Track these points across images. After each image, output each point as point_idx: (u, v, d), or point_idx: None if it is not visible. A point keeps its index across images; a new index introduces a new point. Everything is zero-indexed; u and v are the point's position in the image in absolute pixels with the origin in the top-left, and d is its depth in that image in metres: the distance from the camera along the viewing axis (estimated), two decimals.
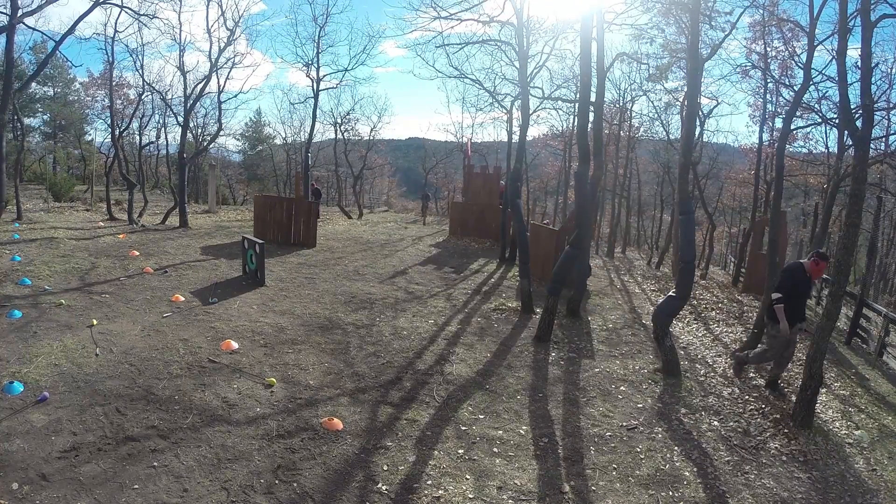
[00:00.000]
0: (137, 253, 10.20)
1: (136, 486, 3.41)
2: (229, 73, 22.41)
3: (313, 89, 19.53)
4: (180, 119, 17.50)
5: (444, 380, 5.51)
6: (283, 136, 35.38)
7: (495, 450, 4.24)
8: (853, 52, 14.16)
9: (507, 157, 17.49)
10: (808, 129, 16.57)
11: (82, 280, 8.15)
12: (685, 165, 6.79)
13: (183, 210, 14.64)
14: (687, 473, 4.09)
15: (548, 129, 29.84)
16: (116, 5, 14.34)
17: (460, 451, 4.17)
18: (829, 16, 19.33)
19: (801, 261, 5.50)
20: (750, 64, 15.26)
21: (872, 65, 5.70)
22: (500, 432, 4.52)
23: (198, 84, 16.20)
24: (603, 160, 10.09)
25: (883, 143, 14.01)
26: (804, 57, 9.99)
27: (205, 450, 3.89)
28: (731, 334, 8.56)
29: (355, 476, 3.75)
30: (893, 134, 15.11)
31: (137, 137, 28.42)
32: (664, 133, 21.23)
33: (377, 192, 43.02)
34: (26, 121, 27.28)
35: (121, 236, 12.01)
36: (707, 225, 19.92)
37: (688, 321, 9.03)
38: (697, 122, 15.26)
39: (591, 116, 8.91)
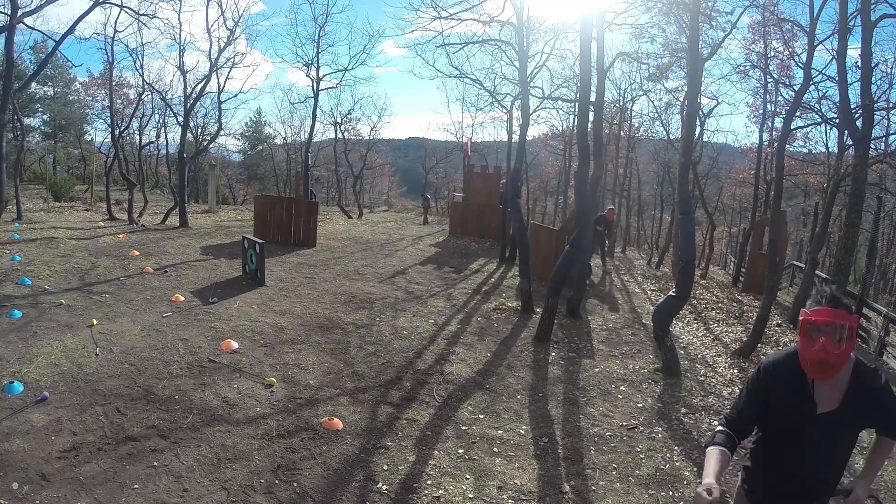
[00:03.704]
0: (137, 253, 10.19)
1: (136, 486, 3.41)
2: (229, 72, 22.34)
3: (313, 89, 19.52)
4: (180, 119, 17.49)
5: (444, 379, 5.51)
6: (283, 135, 35.33)
7: (495, 449, 4.24)
8: (853, 52, 14.14)
9: (507, 156, 17.47)
10: (808, 129, 16.55)
11: (82, 280, 8.14)
12: (685, 165, 6.79)
13: (183, 210, 14.63)
14: (687, 473, 4.09)
15: (548, 129, 29.85)
16: (116, 5, 14.33)
17: (460, 451, 4.17)
18: (829, 16, 19.27)
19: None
20: (750, 64, 15.27)
21: (872, 65, 5.70)
22: (500, 432, 4.52)
23: (198, 84, 16.20)
24: (603, 160, 10.08)
25: (883, 143, 13.99)
26: (804, 57, 9.99)
27: (205, 450, 3.88)
28: (731, 334, 8.57)
29: (355, 476, 3.75)
30: (893, 134, 15.10)
31: (137, 137, 28.40)
32: (664, 133, 21.22)
33: (377, 191, 43.00)
34: (26, 121, 27.24)
35: (121, 236, 12.00)
36: (707, 225, 19.90)
37: (688, 321, 9.03)
38: (697, 122, 15.26)
39: (592, 116, 8.91)
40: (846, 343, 1.77)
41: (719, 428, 1.98)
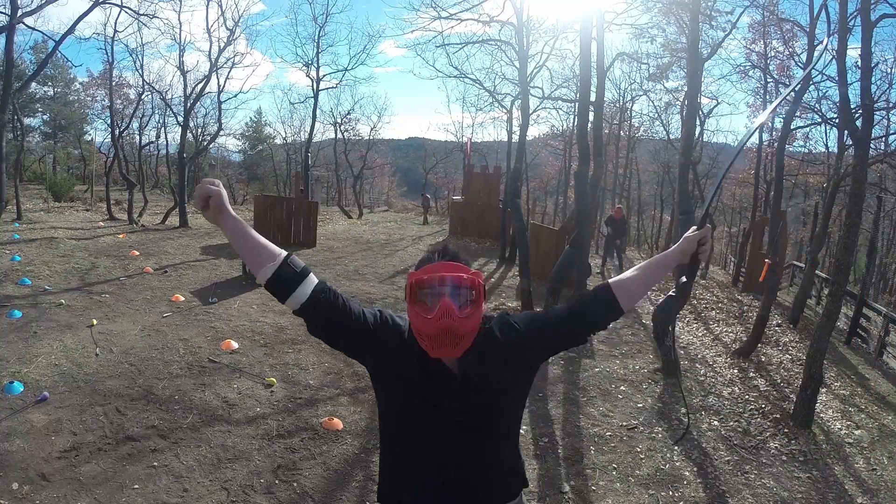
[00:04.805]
0: (137, 253, 10.19)
1: (136, 486, 3.41)
2: (229, 73, 22.34)
3: (313, 89, 19.57)
4: (180, 119, 17.51)
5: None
6: (283, 135, 35.42)
7: None
8: (853, 52, 14.15)
9: (507, 156, 17.52)
10: (808, 129, 16.59)
11: (82, 280, 8.14)
12: (685, 165, 6.80)
13: (183, 210, 14.64)
14: (687, 473, 4.09)
15: (548, 129, 29.89)
16: (116, 5, 14.35)
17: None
18: (830, 15, 19.28)
19: None
20: (750, 64, 15.30)
21: (872, 65, 5.70)
22: None
23: (198, 84, 16.23)
24: (603, 160, 10.08)
25: (883, 143, 14.00)
26: (804, 57, 9.99)
27: (205, 450, 3.88)
28: (731, 334, 8.57)
29: (355, 476, 3.74)
30: (893, 134, 15.11)
31: (137, 137, 28.38)
32: (664, 133, 21.31)
33: (377, 192, 43.04)
34: (26, 121, 27.23)
35: (121, 236, 12.00)
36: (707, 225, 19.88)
37: (688, 321, 9.03)
38: (697, 122, 15.27)
39: (591, 116, 8.90)
40: (473, 306, 1.35)
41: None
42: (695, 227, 1.52)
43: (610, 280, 1.52)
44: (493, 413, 1.42)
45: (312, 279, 1.40)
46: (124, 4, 14.40)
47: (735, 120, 74.25)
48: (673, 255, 1.51)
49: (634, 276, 1.50)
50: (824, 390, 6.05)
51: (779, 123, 15.08)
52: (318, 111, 20.23)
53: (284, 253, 1.38)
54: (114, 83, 18.16)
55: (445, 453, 1.41)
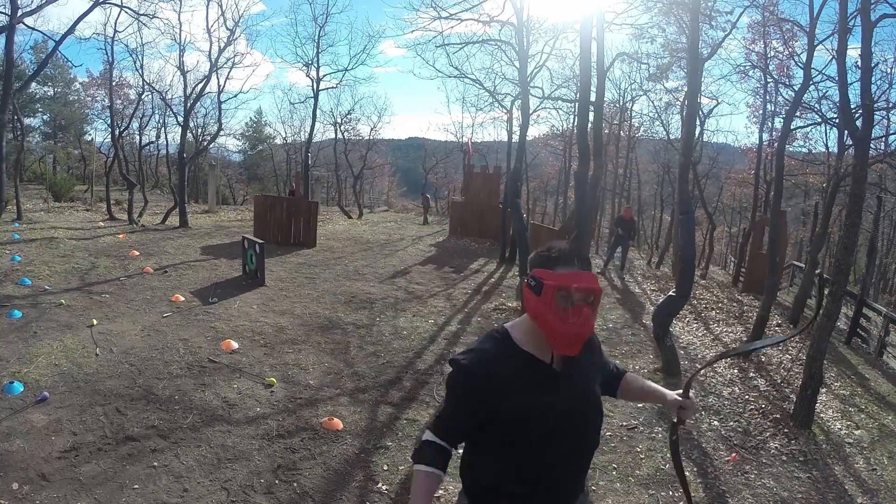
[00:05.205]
0: (137, 253, 10.19)
1: (136, 486, 3.41)
2: (229, 73, 22.35)
3: (313, 89, 19.53)
4: (180, 119, 17.50)
5: (444, 380, 5.51)
6: (283, 135, 35.43)
7: None
8: (853, 52, 14.15)
9: (507, 156, 17.52)
10: (808, 129, 16.57)
11: (82, 280, 8.14)
12: (685, 165, 6.79)
13: (183, 210, 14.64)
14: (687, 473, 4.08)
15: (548, 129, 29.87)
16: (116, 5, 14.34)
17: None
18: (829, 16, 19.30)
19: None
20: (749, 64, 15.29)
21: (872, 64, 5.70)
22: None
23: (198, 84, 16.21)
24: (603, 160, 10.08)
25: (883, 143, 13.98)
26: (804, 57, 9.99)
27: (205, 450, 3.88)
28: (731, 334, 8.57)
29: (355, 476, 3.75)
30: (893, 134, 15.10)
31: (137, 137, 28.38)
32: (664, 133, 21.25)
33: (377, 192, 43.04)
34: (26, 121, 27.22)
35: (121, 236, 12.00)
36: (707, 225, 19.90)
37: (688, 321, 9.03)
38: (697, 122, 15.25)
39: (592, 116, 8.91)
40: (594, 312, 1.48)
41: (428, 437, 1.54)
42: (681, 391, 1.68)
43: (627, 374, 1.82)
44: (591, 405, 1.58)
45: (442, 448, 1.56)
46: (124, 4, 14.40)
47: (735, 120, 74.41)
48: (665, 398, 1.72)
49: (639, 386, 1.79)
50: (824, 390, 6.05)
51: (779, 123, 15.12)
52: (318, 111, 20.17)
53: (435, 472, 1.52)
54: (114, 83, 18.15)
55: (557, 453, 1.48)
